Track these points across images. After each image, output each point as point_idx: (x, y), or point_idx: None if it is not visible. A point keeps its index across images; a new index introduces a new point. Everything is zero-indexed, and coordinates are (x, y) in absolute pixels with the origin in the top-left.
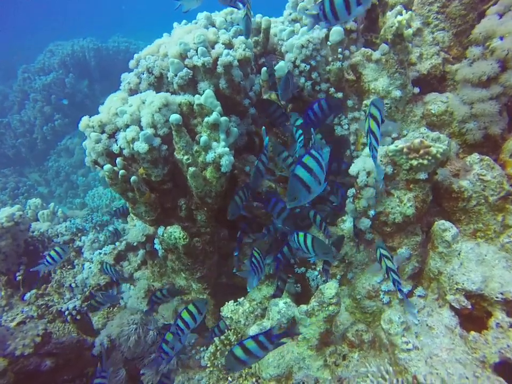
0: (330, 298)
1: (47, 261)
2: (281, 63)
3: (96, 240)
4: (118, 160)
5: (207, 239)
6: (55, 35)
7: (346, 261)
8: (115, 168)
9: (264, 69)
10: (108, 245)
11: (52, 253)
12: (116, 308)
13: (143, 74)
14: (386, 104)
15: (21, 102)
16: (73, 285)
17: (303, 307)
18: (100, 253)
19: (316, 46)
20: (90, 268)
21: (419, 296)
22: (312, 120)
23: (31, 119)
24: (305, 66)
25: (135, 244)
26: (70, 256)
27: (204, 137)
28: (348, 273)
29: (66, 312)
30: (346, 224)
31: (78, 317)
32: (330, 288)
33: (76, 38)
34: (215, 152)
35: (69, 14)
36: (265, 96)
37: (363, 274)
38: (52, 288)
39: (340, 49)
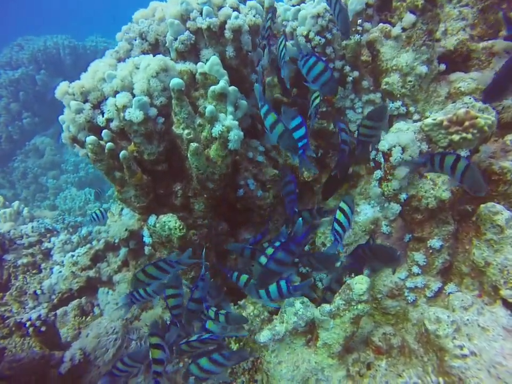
0: (360, 295)
1: (95, 215)
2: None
3: (68, 242)
4: (105, 131)
5: (204, 233)
6: (20, 30)
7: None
8: (101, 141)
9: (267, 50)
10: (82, 246)
11: (97, 211)
12: (89, 317)
13: (135, 40)
14: (409, 81)
15: None
16: (38, 291)
17: (326, 307)
18: (73, 255)
19: (332, 17)
20: (60, 272)
21: (450, 293)
22: None
23: None
24: (320, 39)
25: (116, 242)
26: (36, 259)
27: (210, 107)
28: (364, 270)
29: (28, 323)
30: (361, 217)
31: (43, 329)
32: (360, 282)
33: (42, 34)
34: (222, 125)
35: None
36: (268, 79)
37: (381, 271)
38: (10, 296)
39: (359, 21)
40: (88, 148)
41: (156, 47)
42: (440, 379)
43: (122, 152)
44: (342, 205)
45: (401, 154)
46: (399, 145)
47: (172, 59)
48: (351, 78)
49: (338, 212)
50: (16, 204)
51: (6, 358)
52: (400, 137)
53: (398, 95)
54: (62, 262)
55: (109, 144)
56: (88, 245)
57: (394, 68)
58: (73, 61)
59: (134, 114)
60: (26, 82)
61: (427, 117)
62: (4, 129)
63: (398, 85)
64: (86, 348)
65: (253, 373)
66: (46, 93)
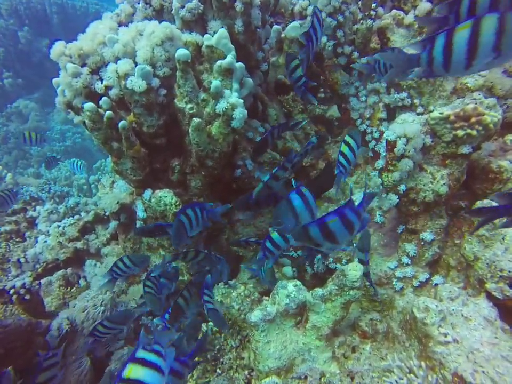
0: (353, 281)
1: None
2: (294, 23)
3: (54, 211)
4: (104, 99)
5: None
6: None
7: (354, 245)
8: (99, 109)
9: (275, 27)
10: (69, 217)
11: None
12: (74, 288)
13: (138, 3)
14: None
15: None
16: (22, 259)
17: (319, 291)
18: (59, 226)
19: None
20: (46, 241)
21: (436, 284)
22: None
23: None
24: (332, 21)
25: (106, 214)
26: (20, 227)
27: (216, 82)
28: (355, 258)
29: (12, 291)
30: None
31: (27, 297)
32: (354, 269)
33: None
34: (227, 102)
35: None
36: (272, 59)
37: (372, 259)
38: None
39: (374, 4)
40: (86, 115)
41: (160, 14)
42: (422, 363)
43: (122, 122)
44: (347, 138)
45: (405, 145)
46: (405, 137)
47: (177, 28)
48: None
49: (343, 144)
50: None
51: None
52: (406, 128)
53: (404, 86)
54: (48, 231)
55: (108, 112)
56: (77, 216)
57: None
58: (61, 21)
59: (137, 84)
60: (6, 38)
61: (430, 111)
62: None
63: None
64: (73, 318)
65: (240, 351)
66: (31, 53)
